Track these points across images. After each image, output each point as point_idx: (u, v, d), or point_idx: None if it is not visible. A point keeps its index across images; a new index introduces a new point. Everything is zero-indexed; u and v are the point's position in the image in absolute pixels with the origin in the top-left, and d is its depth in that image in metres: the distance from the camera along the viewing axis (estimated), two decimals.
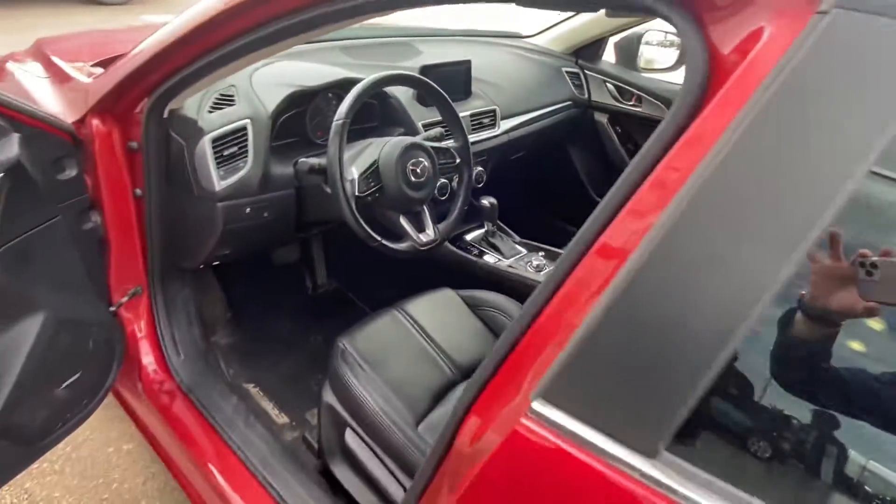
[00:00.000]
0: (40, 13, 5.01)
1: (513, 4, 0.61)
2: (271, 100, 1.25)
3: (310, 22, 0.81)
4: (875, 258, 0.40)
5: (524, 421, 0.53)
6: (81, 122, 1.13)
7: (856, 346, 0.43)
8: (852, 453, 0.43)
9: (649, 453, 0.47)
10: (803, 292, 0.43)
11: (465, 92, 1.67)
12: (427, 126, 1.48)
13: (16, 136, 0.92)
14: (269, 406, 1.46)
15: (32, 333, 0.99)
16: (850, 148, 0.40)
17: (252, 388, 1.50)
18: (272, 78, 1.31)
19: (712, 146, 0.45)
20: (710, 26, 0.50)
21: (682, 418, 0.45)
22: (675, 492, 0.45)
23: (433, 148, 1.26)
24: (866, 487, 0.43)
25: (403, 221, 1.21)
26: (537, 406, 0.52)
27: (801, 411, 0.46)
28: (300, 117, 1.34)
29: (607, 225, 0.52)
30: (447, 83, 1.47)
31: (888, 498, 0.42)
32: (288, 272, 1.87)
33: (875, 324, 0.42)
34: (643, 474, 0.46)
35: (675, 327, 0.45)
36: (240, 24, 0.88)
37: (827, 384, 0.43)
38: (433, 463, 0.70)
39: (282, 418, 1.43)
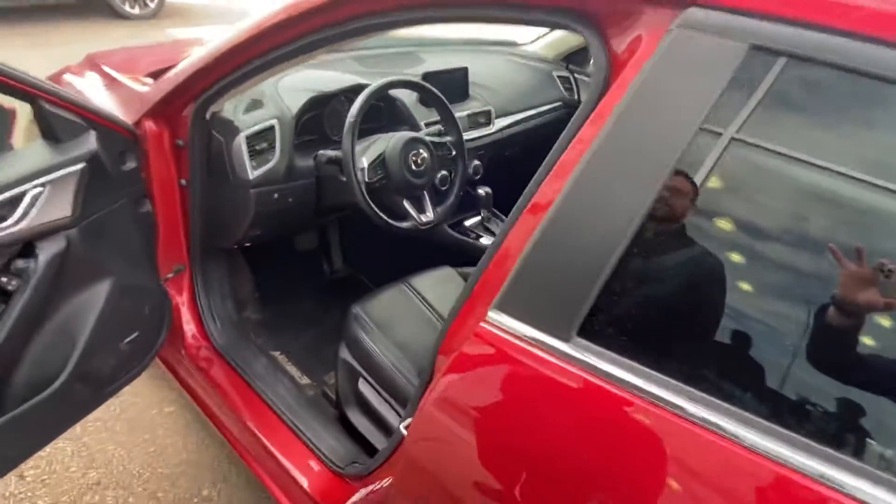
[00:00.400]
0: (72, 29, 5.33)
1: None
2: (294, 103, 1.47)
3: (326, 40, 1.02)
4: (892, 266, 0.52)
5: (482, 325, 0.73)
6: (137, 123, 1.35)
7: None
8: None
9: (565, 337, 0.67)
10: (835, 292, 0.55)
11: (462, 95, 1.89)
12: (429, 124, 1.69)
13: (93, 133, 1.15)
14: (292, 370, 1.67)
15: (103, 295, 1.22)
16: (684, 118, 0.60)
17: (278, 355, 1.71)
18: (295, 84, 1.54)
19: (605, 121, 0.66)
20: (611, 39, 0.71)
21: (585, 312, 0.65)
22: (581, 362, 0.65)
23: (432, 142, 1.47)
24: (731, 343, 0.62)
25: (406, 204, 1.43)
26: (492, 314, 0.73)
27: (669, 304, 0.66)
28: (319, 118, 1.56)
29: (538, 188, 0.72)
30: (446, 87, 1.69)
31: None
32: (308, 258, 2.09)
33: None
34: (560, 352, 0.67)
35: (578, 249, 0.66)
36: (270, 42, 1.10)
37: (856, 365, 0.55)
38: (420, 390, 0.90)
39: (304, 380, 1.65)
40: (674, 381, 0.61)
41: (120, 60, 1.81)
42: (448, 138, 1.55)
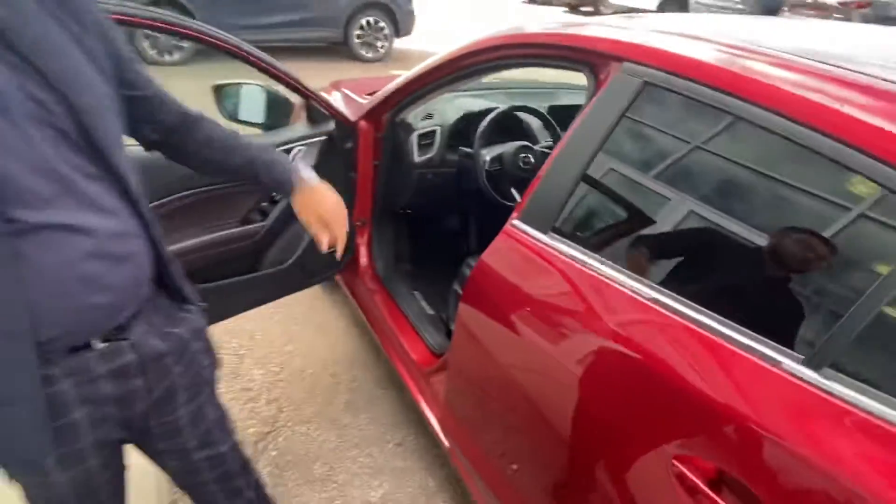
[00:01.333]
0: (325, 67, 6.86)
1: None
2: (453, 117, 2.19)
3: (458, 77, 1.71)
4: None
5: (507, 226, 1.33)
6: (356, 122, 2.17)
7: None
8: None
9: (545, 231, 1.24)
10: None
11: None
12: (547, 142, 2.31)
13: (333, 121, 1.97)
14: (424, 303, 2.35)
15: None
16: (613, 114, 1.15)
17: (416, 293, 2.41)
18: (457, 105, 2.27)
19: (580, 121, 1.23)
20: (598, 76, 1.28)
21: (555, 217, 1.22)
22: (552, 245, 1.21)
23: (541, 152, 2.08)
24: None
25: (514, 190, 2.05)
26: (514, 221, 1.32)
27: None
28: (467, 129, 2.26)
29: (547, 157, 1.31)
30: (566, 118, 2.28)
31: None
32: (452, 237, 2.79)
33: None
34: (542, 240, 1.23)
35: (553, 188, 1.23)
36: (434, 75, 1.82)
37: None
38: None
39: (429, 311, 2.32)
40: (603, 258, 1.14)
41: (352, 85, 2.71)
42: None
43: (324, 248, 1.10)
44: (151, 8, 1.50)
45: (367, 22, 7.42)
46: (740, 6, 11.61)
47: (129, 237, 0.85)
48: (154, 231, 0.90)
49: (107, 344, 0.86)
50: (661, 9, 13.60)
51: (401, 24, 7.58)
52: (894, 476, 0.69)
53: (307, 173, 1.11)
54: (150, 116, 0.96)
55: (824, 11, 10.12)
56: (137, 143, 1.00)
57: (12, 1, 0.73)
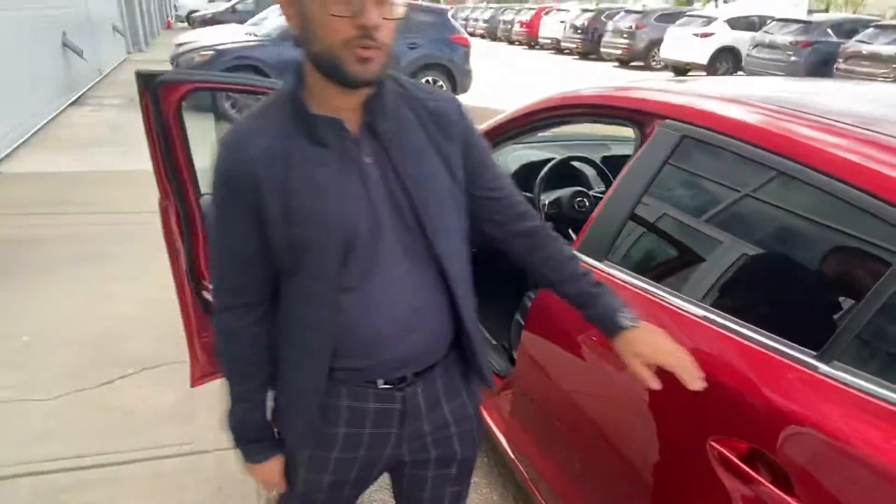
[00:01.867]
0: None
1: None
2: (513, 166, 2.47)
3: (538, 127, 1.98)
4: None
5: None
6: None
7: None
8: None
9: (600, 260, 1.46)
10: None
11: None
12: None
13: None
14: (487, 335, 2.57)
15: None
16: (655, 162, 1.39)
17: (480, 325, 2.63)
18: (517, 156, 2.55)
19: (629, 167, 1.47)
20: (644, 130, 1.52)
21: (608, 248, 1.45)
22: (606, 271, 1.44)
23: (595, 196, 2.32)
24: None
25: (570, 230, 2.28)
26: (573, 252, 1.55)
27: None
28: (527, 176, 2.52)
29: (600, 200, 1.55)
30: (617, 167, 2.52)
31: None
32: (513, 274, 2.99)
33: None
34: (597, 268, 1.46)
35: (605, 224, 1.46)
36: (501, 129, 2.10)
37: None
38: None
39: (493, 342, 2.53)
40: (650, 280, 1.36)
41: None
42: None
43: (652, 385, 1.02)
44: (232, 74, 1.85)
45: (426, 81, 7.96)
46: (793, 58, 11.73)
47: (428, 311, 0.96)
48: (462, 310, 1.00)
49: (387, 387, 0.98)
50: (713, 62, 13.85)
51: (458, 82, 8.10)
52: (886, 440, 0.87)
53: (633, 317, 1.04)
54: (493, 215, 1.10)
55: (881, 63, 10.10)
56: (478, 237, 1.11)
57: (401, 117, 0.93)
